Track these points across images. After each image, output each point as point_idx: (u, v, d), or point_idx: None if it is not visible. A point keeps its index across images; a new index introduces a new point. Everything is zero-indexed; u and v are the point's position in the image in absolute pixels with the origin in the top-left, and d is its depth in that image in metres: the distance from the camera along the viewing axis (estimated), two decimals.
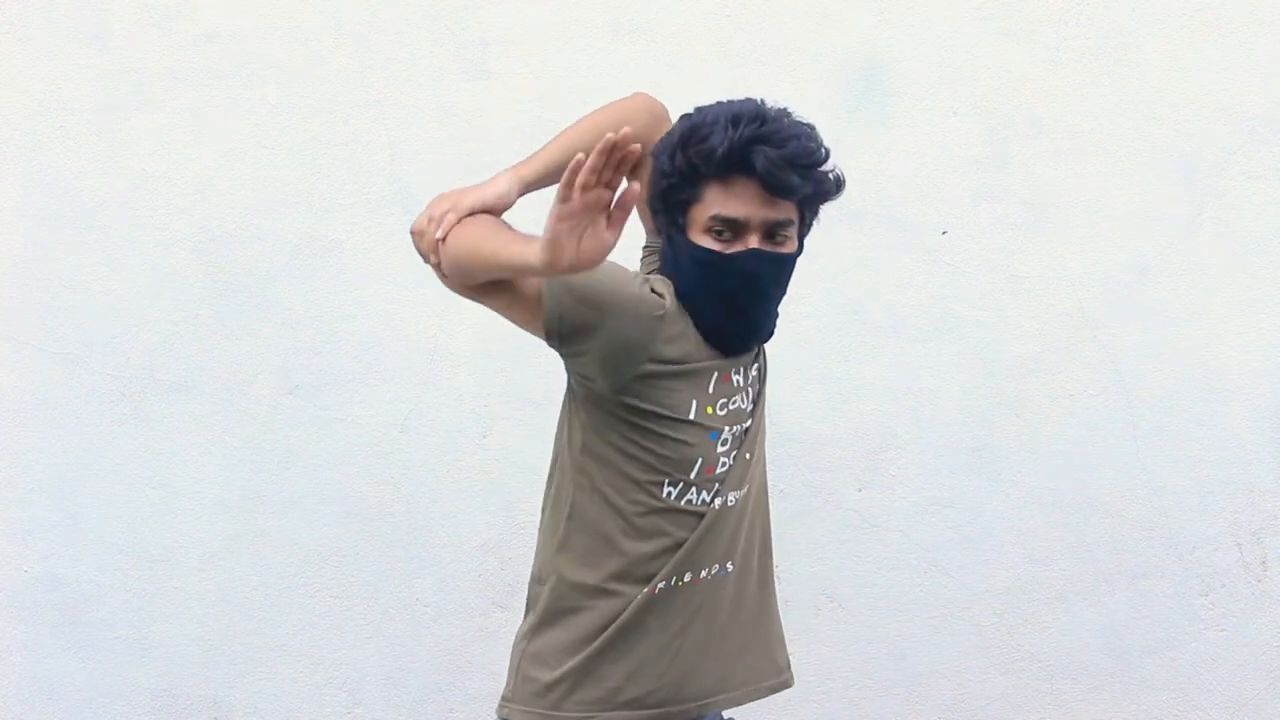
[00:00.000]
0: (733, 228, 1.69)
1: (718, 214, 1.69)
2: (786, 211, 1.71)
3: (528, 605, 1.84)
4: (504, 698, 1.82)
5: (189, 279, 2.86)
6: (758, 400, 1.83)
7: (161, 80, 2.85)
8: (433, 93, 2.85)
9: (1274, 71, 2.91)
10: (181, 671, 2.89)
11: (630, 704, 1.77)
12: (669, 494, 1.73)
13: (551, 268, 1.50)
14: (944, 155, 2.89)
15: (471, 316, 2.83)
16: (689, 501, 1.74)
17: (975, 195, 2.90)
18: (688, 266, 1.72)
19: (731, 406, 1.76)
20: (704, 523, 1.75)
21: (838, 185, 1.73)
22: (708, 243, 1.70)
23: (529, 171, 1.76)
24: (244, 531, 2.88)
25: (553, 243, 1.48)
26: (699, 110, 1.73)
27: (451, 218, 1.67)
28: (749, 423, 1.80)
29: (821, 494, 2.90)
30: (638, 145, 1.44)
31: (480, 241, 1.63)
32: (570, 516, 1.78)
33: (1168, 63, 2.90)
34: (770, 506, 1.92)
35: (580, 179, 1.44)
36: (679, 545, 1.74)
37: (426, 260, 1.72)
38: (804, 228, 1.78)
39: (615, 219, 1.49)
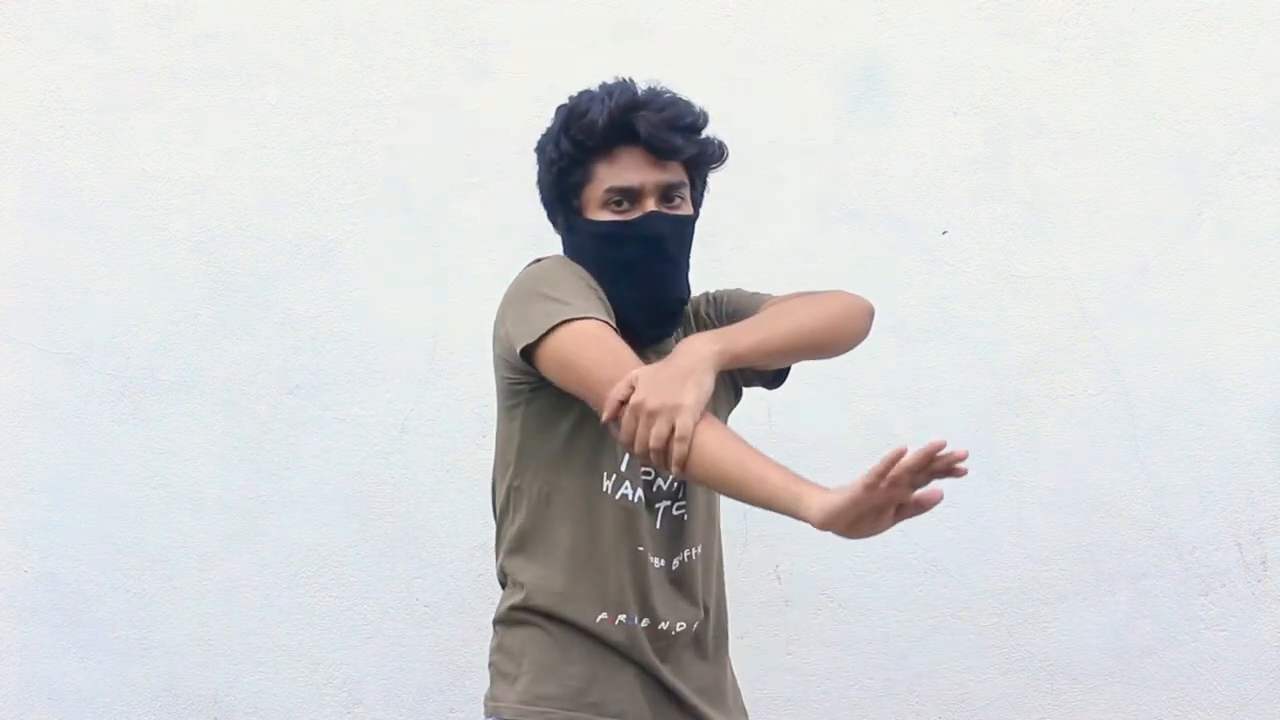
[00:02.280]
0: (629, 196, 1.73)
1: (612, 185, 1.73)
2: (676, 173, 1.76)
3: (499, 604, 1.88)
4: (487, 696, 1.85)
5: (189, 279, 2.86)
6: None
7: (161, 80, 2.85)
8: (433, 93, 2.85)
9: (1274, 71, 2.91)
10: (181, 671, 2.89)
11: (591, 707, 1.77)
12: (607, 487, 1.76)
13: (823, 528, 1.46)
14: (944, 155, 2.89)
15: (471, 316, 2.83)
16: (624, 496, 1.76)
17: (975, 195, 2.90)
18: (591, 246, 1.76)
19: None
20: (654, 521, 1.77)
21: (720, 150, 1.78)
22: (606, 215, 1.74)
23: (731, 358, 1.66)
24: (244, 531, 2.88)
25: (838, 517, 1.44)
26: (571, 97, 1.78)
27: (680, 449, 1.55)
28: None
29: None
30: (964, 463, 1.40)
31: (733, 471, 1.55)
32: (515, 518, 1.82)
33: (1168, 63, 2.90)
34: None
35: (894, 474, 1.40)
36: (628, 539, 1.76)
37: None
38: (695, 192, 1.82)
39: (901, 513, 1.46)
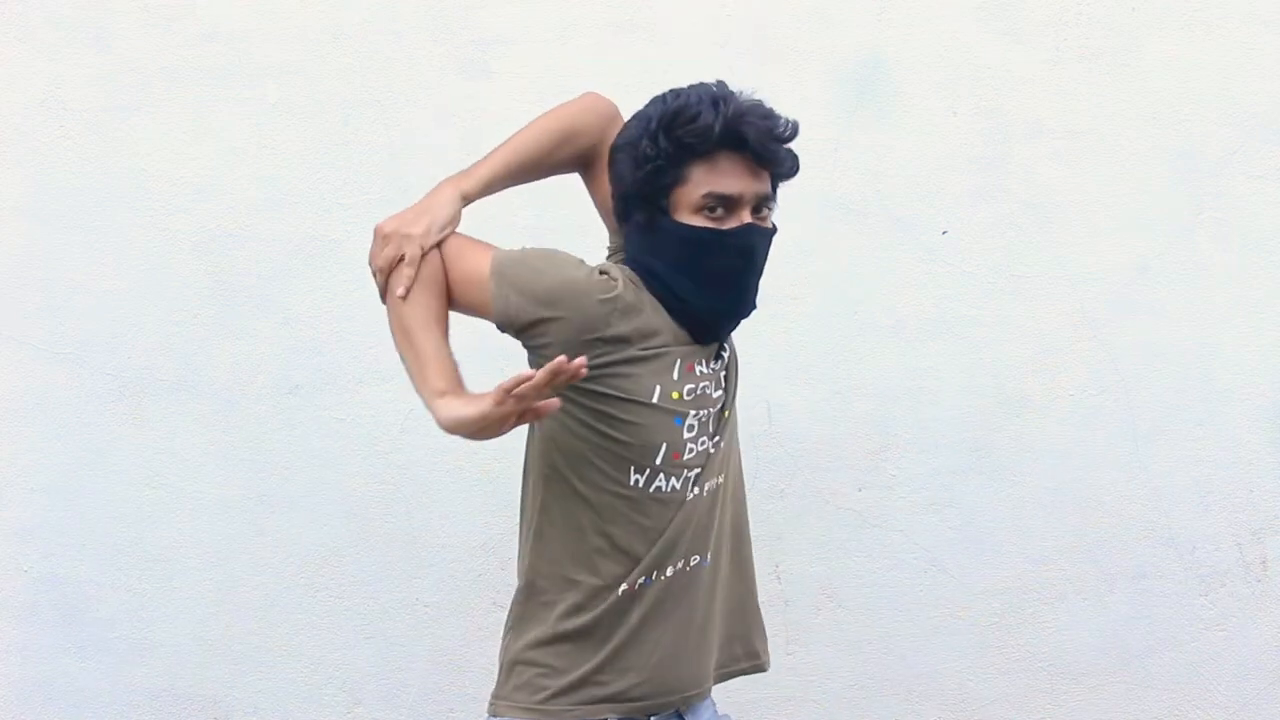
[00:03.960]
0: (726, 204, 1.72)
1: (712, 191, 1.71)
2: (768, 185, 1.76)
3: (512, 602, 1.85)
4: (494, 696, 1.83)
5: (189, 279, 2.86)
6: (727, 388, 1.84)
7: (161, 80, 2.85)
8: (433, 93, 2.85)
9: (1274, 71, 2.91)
10: (181, 671, 2.89)
11: (614, 698, 1.77)
12: (636, 481, 1.74)
13: (450, 433, 1.63)
14: (944, 155, 2.89)
15: (471, 316, 2.84)
16: (658, 489, 1.75)
17: (975, 195, 2.90)
18: (675, 249, 1.73)
19: (699, 392, 1.77)
20: (678, 513, 1.76)
21: (798, 163, 1.79)
22: (701, 222, 1.72)
23: (472, 186, 1.81)
24: (244, 531, 2.88)
25: (462, 425, 1.61)
26: (671, 93, 1.75)
27: (409, 272, 1.72)
28: (718, 408, 1.80)
29: (821, 494, 2.90)
30: (585, 369, 1.53)
31: (410, 333, 1.72)
32: (543, 511, 1.79)
33: (1168, 63, 2.90)
34: (747, 500, 1.94)
35: (520, 390, 1.53)
36: (653, 535, 1.75)
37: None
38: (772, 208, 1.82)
39: (522, 418, 1.59)
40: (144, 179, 2.86)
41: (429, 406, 1.68)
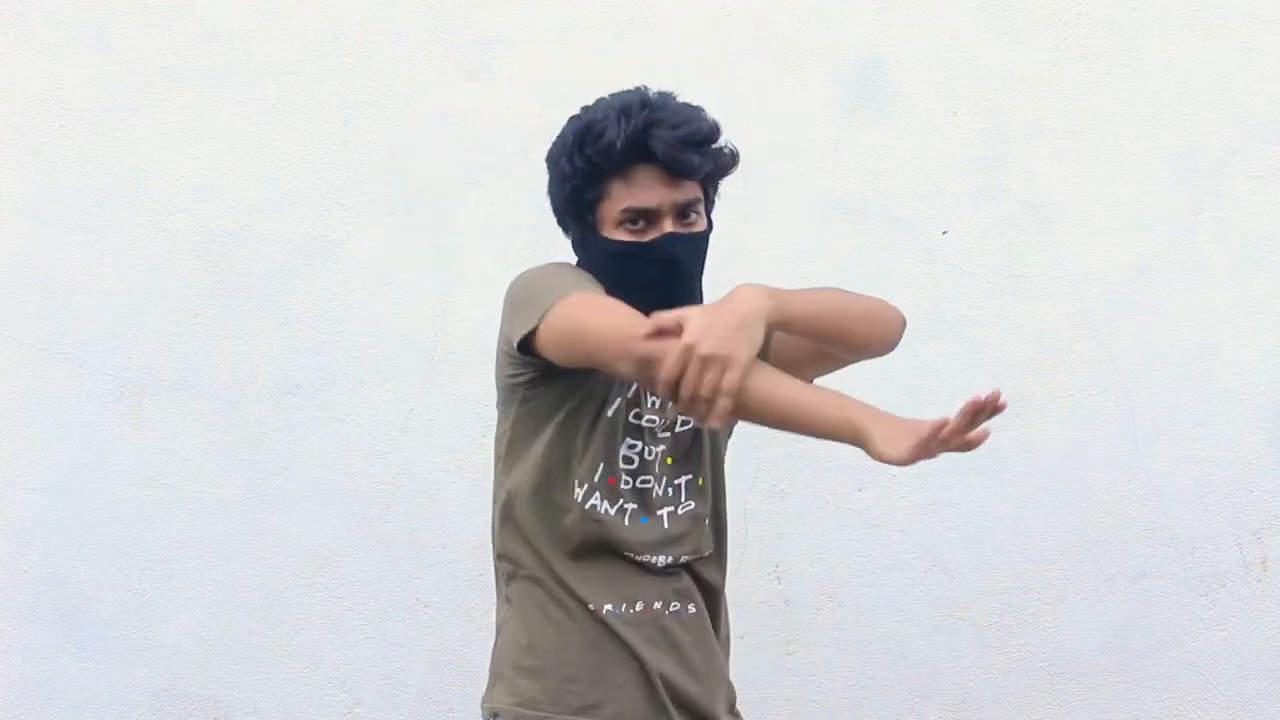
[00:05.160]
0: (645, 216, 1.72)
1: (629, 206, 1.71)
2: (692, 191, 1.74)
3: (497, 604, 1.87)
4: (485, 698, 1.84)
5: (189, 279, 2.86)
6: (685, 428, 1.82)
7: (161, 80, 2.85)
8: (433, 93, 2.85)
9: (1274, 71, 2.91)
10: (181, 671, 2.89)
11: (590, 710, 1.76)
12: (578, 495, 1.76)
13: (879, 459, 1.54)
14: (944, 155, 2.89)
15: (471, 316, 2.84)
16: (593, 506, 1.76)
17: (975, 195, 2.90)
18: (605, 263, 1.74)
19: (649, 420, 1.78)
20: (632, 535, 1.76)
21: (733, 158, 1.76)
22: (623, 236, 1.72)
23: (783, 317, 1.63)
24: (244, 531, 2.88)
25: (897, 456, 1.52)
26: (585, 110, 1.75)
27: (725, 404, 1.53)
28: (665, 447, 1.80)
29: (821, 494, 2.90)
30: (1005, 404, 1.51)
31: (785, 411, 1.60)
32: (505, 518, 1.82)
33: (1168, 63, 2.90)
34: (735, 502, 1.95)
35: (944, 435, 1.49)
36: (604, 558, 1.76)
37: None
38: (709, 204, 1.80)
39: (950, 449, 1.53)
40: (144, 179, 2.86)
41: (863, 446, 1.56)
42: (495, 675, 1.82)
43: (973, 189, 2.90)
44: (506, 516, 1.83)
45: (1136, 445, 2.93)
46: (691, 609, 1.81)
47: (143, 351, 2.87)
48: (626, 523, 1.76)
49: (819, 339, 1.78)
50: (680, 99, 1.73)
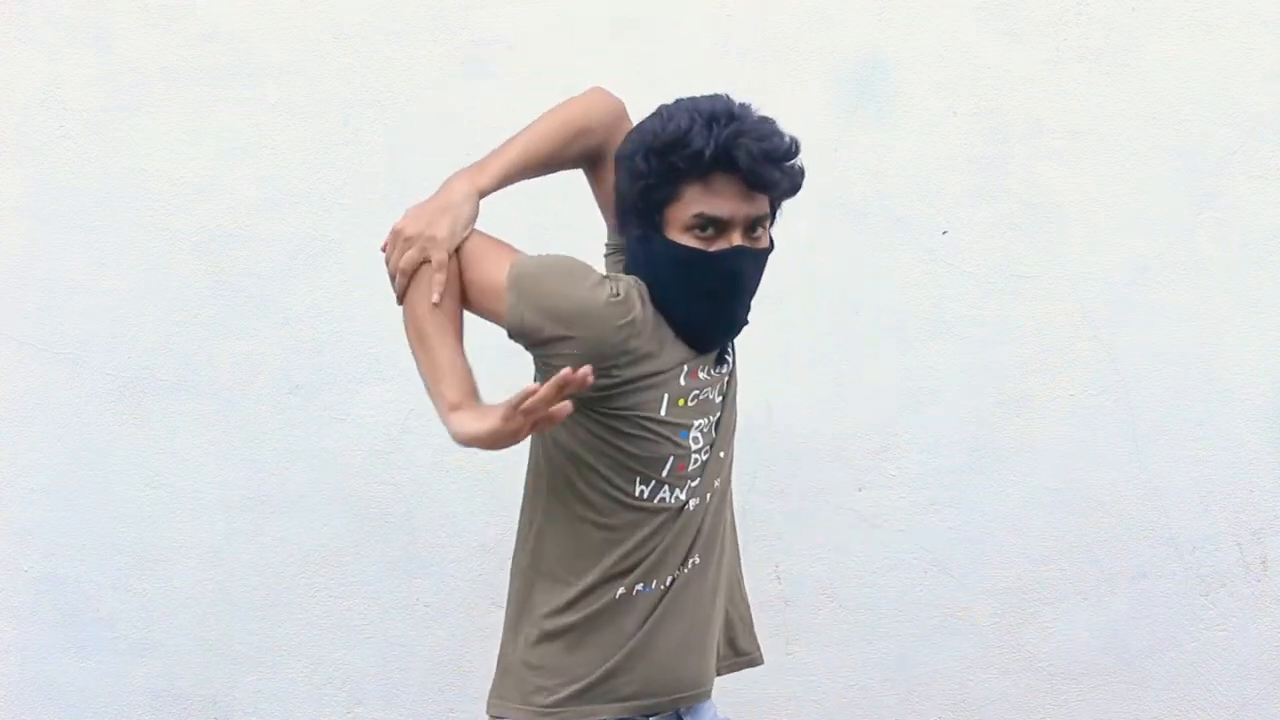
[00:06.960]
0: (716, 225, 1.70)
1: (702, 213, 1.69)
2: (763, 207, 1.74)
3: (508, 602, 1.86)
4: (492, 695, 1.83)
5: (189, 279, 2.86)
6: (726, 393, 1.84)
7: (161, 80, 2.85)
8: (433, 93, 2.85)
9: (1274, 71, 2.91)
10: (181, 671, 2.89)
11: (613, 700, 1.77)
12: (641, 492, 1.74)
13: (457, 441, 1.66)
14: (944, 155, 2.89)
15: (471, 316, 2.83)
16: (661, 500, 1.75)
17: (975, 195, 2.90)
18: (666, 266, 1.72)
19: (701, 398, 1.77)
20: (677, 522, 1.76)
21: (803, 178, 1.77)
22: (689, 241, 1.71)
23: (487, 181, 1.79)
24: (244, 531, 2.88)
25: (475, 440, 1.64)
26: (669, 110, 1.74)
27: (440, 278, 1.70)
28: (719, 414, 1.81)
29: (821, 494, 2.90)
30: (591, 378, 1.52)
31: (426, 340, 1.73)
32: (546, 513, 1.79)
33: (1168, 63, 2.90)
34: (734, 501, 1.94)
35: (528, 405, 1.53)
36: (653, 544, 1.75)
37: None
38: (773, 223, 1.80)
39: (536, 427, 1.59)
40: (144, 179, 2.86)
41: (442, 419, 1.69)
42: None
43: (973, 189, 2.90)
44: None
45: (1136, 445, 2.93)
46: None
47: (143, 351, 2.87)
48: None
49: (546, 162, 1.84)
50: (756, 112, 1.74)
